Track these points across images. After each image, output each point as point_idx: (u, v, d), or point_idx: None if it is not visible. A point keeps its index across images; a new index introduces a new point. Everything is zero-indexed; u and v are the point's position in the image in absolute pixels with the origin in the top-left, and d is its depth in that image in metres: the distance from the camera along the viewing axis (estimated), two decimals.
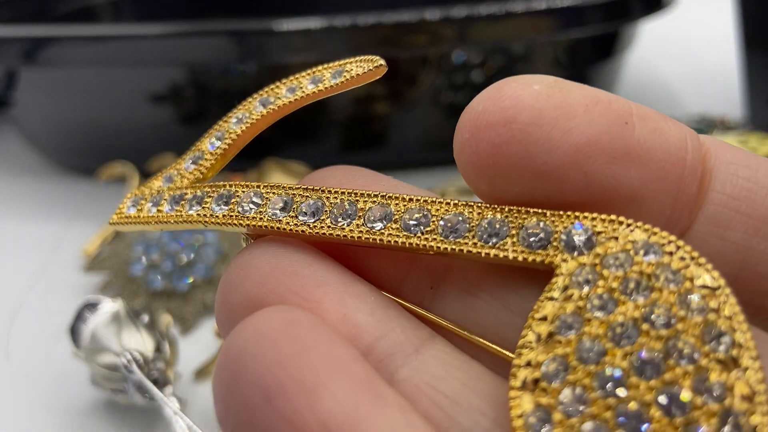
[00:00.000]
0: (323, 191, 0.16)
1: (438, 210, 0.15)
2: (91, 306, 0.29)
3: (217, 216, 0.17)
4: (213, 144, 0.19)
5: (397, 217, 0.16)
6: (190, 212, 0.17)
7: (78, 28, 0.42)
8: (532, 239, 0.15)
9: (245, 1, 0.59)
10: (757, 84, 0.45)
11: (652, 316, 0.13)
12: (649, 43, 0.54)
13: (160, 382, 0.27)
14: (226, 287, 0.15)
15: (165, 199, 0.18)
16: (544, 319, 0.14)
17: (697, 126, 0.42)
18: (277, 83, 0.19)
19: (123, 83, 0.42)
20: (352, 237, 0.16)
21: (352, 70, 0.18)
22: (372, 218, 0.16)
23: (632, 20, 0.42)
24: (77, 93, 0.43)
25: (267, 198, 0.17)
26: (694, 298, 0.13)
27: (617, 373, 0.13)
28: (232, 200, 0.17)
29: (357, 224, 0.16)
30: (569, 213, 0.15)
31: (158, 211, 0.18)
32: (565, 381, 0.13)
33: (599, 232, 0.14)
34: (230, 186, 0.17)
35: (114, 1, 0.57)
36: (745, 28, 0.43)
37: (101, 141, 0.45)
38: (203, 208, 0.17)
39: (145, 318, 0.30)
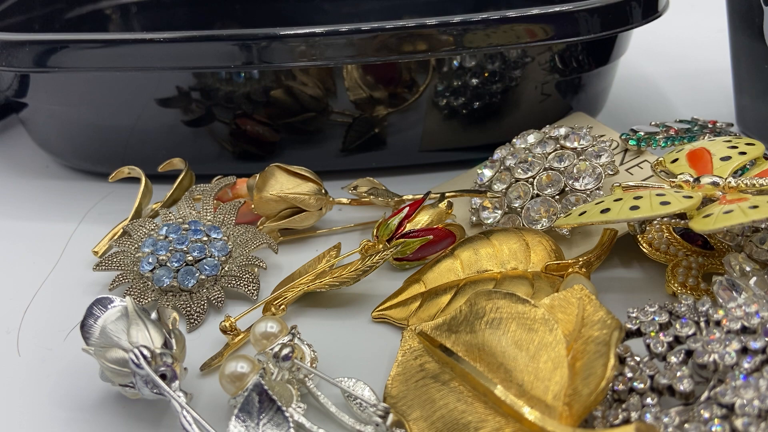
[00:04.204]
0: None
1: None
2: (100, 303, 0.30)
3: None
4: None
5: None
6: None
7: (88, 33, 0.43)
8: None
9: (250, 11, 0.59)
10: (744, 78, 0.45)
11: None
12: (639, 45, 0.54)
13: (168, 377, 0.28)
14: None
15: None
16: None
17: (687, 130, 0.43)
18: None
19: (132, 87, 0.42)
20: None
21: None
22: None
23: (629, 26, 0.43)
24: (87, 97, 0.43)
25: None
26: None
27: None
28: None
29: None
30: None
31: None
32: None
33: None
34: None
35: (123, 5, 0.58)
36: (732, 19, 0.44)
37: (110, 144, 0.45)
38: None
39: (153, 314, 0.30)
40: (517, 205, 0.38)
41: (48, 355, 0.33)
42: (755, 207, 0.28)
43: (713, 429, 0.24)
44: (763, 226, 0.33)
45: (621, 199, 0.32)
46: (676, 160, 0.35)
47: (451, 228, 0.37)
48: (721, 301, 0.28)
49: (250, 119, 0.44)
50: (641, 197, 0.31)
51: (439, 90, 0.43)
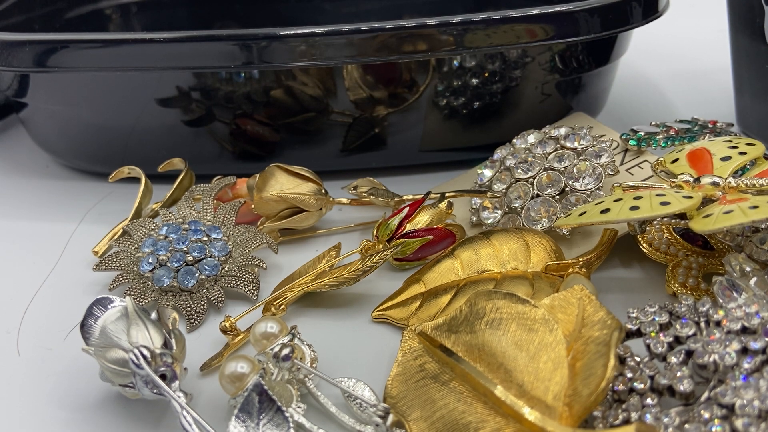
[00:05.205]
0: None
1: None
2: (100, 303, 0.30)
3: None
4: None
5: None
6: None
7: (88, 33, 0.43)
8: None
9: (250, 11, 0.59)
10: (744, 78, 0.45)
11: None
12: (639, 45, 0.54)
13: (168, 377, 0.28)
14: None
15: None
16: None
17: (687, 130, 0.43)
18: None
19: (132, 87, 0.42)
20: None
21: None
22: None
23: (629, 26, 0.43)
24: (87, 97, 0.43)
25: None
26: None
27: None
28: None
29: None
30: None
31: None
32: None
33: None
34: None
35: (123, 5, 0.58)
36: (732, 19, 0.43)
37: (110, 144, 0.45)
38: None
39: (153, 314, 0.30)
40: (517, 205, 0.38)
41: (48, 355, 0.33)
42: (755, 207, 0.28)
43: (713, 429, 0.24)
44: (763, 226, 0.33)
45: (621, 199, 0.32)
46: (676, 160, 0.35)
47: (451, 228, 0.37)
48: (721, 301, 0.28)
49: (251, 119, 0.44)
50: (641, 197, 0.31)
51: (439, 90, 0.43)
